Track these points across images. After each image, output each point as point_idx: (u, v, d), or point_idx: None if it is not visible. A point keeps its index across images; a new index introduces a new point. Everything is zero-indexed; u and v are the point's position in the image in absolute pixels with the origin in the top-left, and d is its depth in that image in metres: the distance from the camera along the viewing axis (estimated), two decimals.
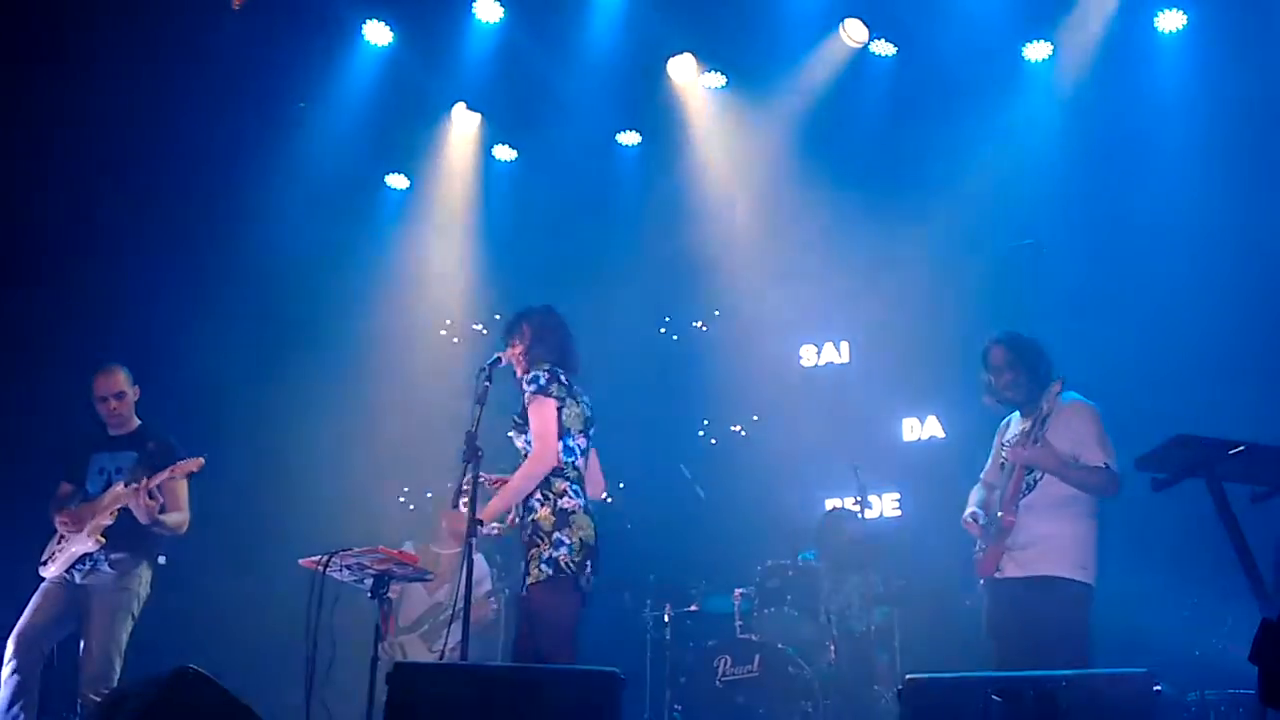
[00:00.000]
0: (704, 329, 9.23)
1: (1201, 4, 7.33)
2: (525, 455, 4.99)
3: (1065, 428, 5.11)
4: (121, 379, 6.06)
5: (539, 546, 4.82)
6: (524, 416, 5.00)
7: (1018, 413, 5.48)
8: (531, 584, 4.79)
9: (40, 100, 7.05)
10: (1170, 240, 7.29)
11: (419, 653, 7.24)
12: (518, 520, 4.97)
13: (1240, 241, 7.11)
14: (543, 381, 4.97)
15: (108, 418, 6.06)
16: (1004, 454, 5.38)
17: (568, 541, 4.82)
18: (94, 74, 7.08)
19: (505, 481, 4.99)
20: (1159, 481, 4.05)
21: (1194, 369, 6.96)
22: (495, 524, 4.99)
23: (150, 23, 7.05)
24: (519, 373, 5.15)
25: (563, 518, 4.86)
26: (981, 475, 5.66)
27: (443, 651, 6.67)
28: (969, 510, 5.41)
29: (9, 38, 6.84)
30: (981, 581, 5.44)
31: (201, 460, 5.84)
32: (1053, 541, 5.05)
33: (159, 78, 7.22)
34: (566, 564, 4.79)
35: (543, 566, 4.78)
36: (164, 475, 5.76)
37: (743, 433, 9.02)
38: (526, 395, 4.97)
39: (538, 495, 4.90)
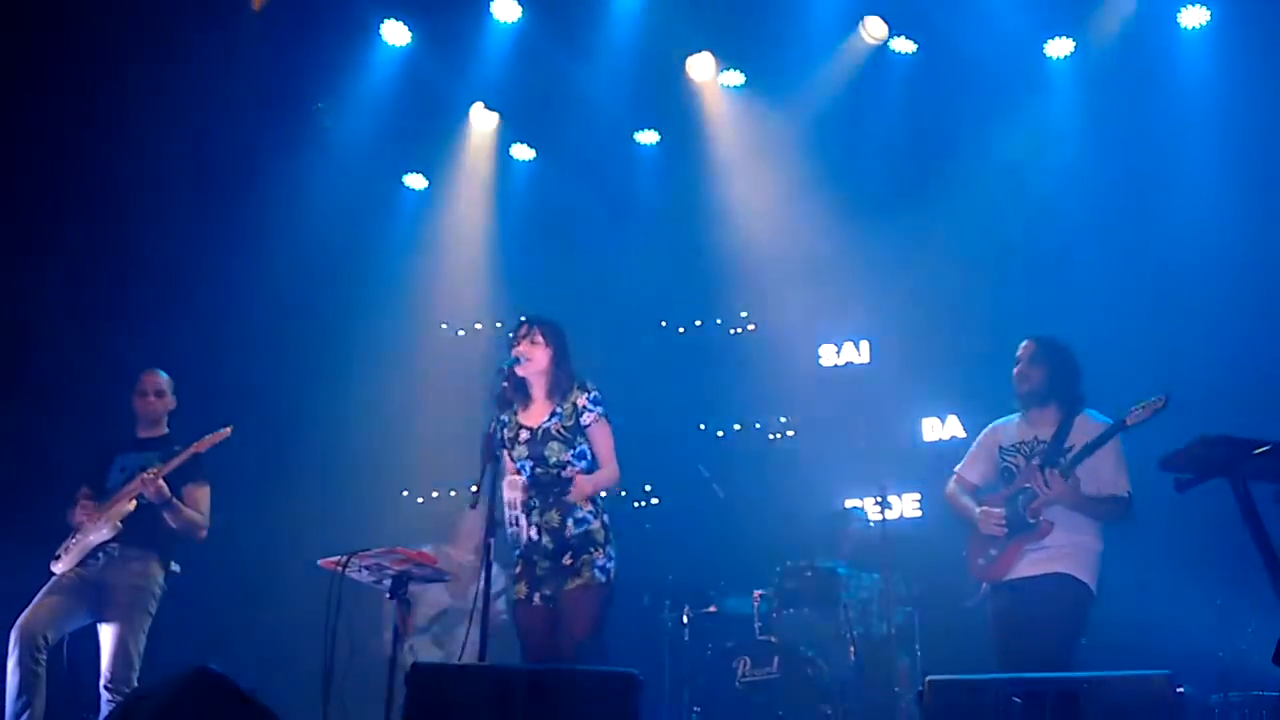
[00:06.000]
0: (723, 324, 9.21)
1: (1225, 0, 7.27)
2: (560, 466, 5.05)
3: (1097, 457, 5.11)
4: (165, 381, 6.13)
5: (592, 554, 4.97)
6: (570, 431, 5.07)
7: (1015, 416, 5.45)
8: (582, 585, 4.92)
9: (59, 103, 7.06)
10: (1195, 238, 7.24)
11: (430, 654, 7.29)
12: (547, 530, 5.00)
13: (1265, 240, 7.05)
14: (604, 405, 5.14)
15: (142, 412, 6.05)
16: (1008, 461, 5.38)
17: (614, 556, 5.04)
18: (112, 75, 7.08)
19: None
20: (1183, 482, 4.00)
21: (1220, 367, 6.89)
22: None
23: (168, 24, 7.05)
24: (537, 375, 5.14)
25: (609, 532, 5.07)
26: (957, 470, 5.64)
27: (460, 652, 6.70)
28: (982, 508, 5.37)
29: (29, 42, 6.86)
30: (985, 586, 5.42)
31: (228, 430, 5.84)
32: (1075, 548, 5.14)
33: (177, 79, 7.22)
34: (614, 577, 5.01)
35: (596, 573, 4.94)
36: (187, 454, 5.75)
37: (762, 430, 8.99)
38: (589, 414, 5.09)
39: (589, 508, 5.05)
